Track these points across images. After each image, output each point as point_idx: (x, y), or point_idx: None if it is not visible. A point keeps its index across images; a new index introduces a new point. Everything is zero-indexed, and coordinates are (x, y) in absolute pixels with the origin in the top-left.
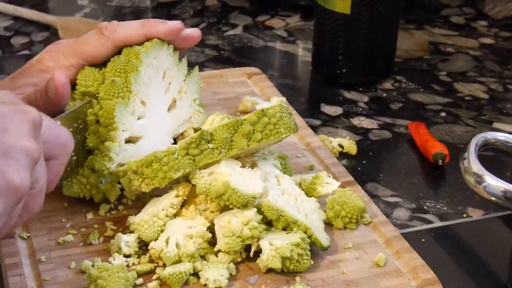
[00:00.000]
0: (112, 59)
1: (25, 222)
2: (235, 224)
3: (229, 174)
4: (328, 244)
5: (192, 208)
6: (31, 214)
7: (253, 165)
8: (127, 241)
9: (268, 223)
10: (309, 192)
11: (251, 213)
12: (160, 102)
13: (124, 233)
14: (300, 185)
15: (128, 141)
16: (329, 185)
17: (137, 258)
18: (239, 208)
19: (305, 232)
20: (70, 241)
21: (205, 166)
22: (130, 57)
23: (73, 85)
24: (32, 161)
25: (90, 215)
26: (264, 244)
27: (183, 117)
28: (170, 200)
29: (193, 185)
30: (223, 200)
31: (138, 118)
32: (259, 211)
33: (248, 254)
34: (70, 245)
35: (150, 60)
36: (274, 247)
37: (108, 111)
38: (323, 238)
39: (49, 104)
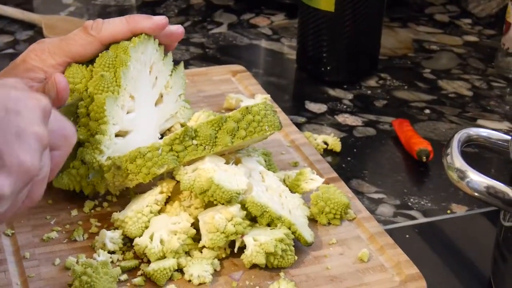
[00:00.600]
0: (100, 54)
1: (9, 221)
2: (219, 220)
3: (213, 170)
4: (312, 240)
5: (176, 205)
6: (33, 201)
7: (237, 162)
8: (111, 238)
9: (253, 219)
10: (293, 189)
11: (235, 209)
12: (148, 97)
13: (108, 229)
14: (284, 181)
15: (117, 135)
16: (313, 181)
17: (122, 254)
18: (223, 204)
19: (289, 228)
20: (55, 238)
21: (189, 163)
22: (118, 52)
23: None
24: (42, 146)
25: (74, 212)
26: (248, 239)
27: (170, 112)
28: (154, 196)
29: (177, 182)
30: (207, 196)
31: (127, 112)
32: (243, 207)
33: (232, 250)
34: (55, 242)
35: (138, 55)
36: (258, 242)
37: (99, 105)
38: (307, 234)
39: None
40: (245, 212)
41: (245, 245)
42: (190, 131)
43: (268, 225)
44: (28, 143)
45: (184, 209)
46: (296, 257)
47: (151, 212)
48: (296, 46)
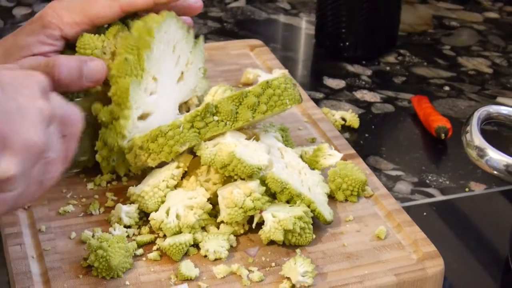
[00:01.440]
0: (123, 35)
1: None
2: (237, 195)
3: (234, 145)
4: (332, 218)
5: (193, 179)
6: (50, 181)
7: (256, 138)
8: (127, 212)
9: (272, 196)
10: (311, 165)
11: (254, 184)
12: (170, 77)
13: (124, 204)
14: (301, 157)
15: (139, 117)
16: (331, 156)
17: (138, 228)
18: (243, 179)
19: (309, 206)
20: (71, 211)
21: (210, 139)
22: (142, 34)
23: (74, 45)
24: (45, 119)
25: (90, 186)
26: (267, 216)
27: (190, 88)
28: (170, 171)
29: (194, 157)
30: (228, 171)
31: (150, 94)
32: (263, 183)
33: (250, 227)
34: (71, 215)
35: (161, 35)
36: (277, 219)
37: (122, 90)
38: (326, 212)
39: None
40: (264, 188)
41: (263, 221)
42: (211, 107)
43: (288, 202)
44: (30, 119)
45: (200, 184)
46: (314, 236)
47: (167, 187)
48: (314, 21)
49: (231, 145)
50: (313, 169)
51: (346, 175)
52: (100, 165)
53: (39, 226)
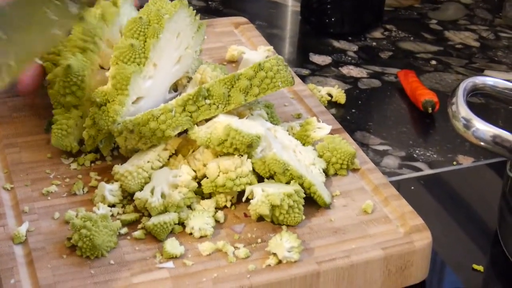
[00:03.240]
0: (132, 18)
1: (8, 175)
2: (211, 169)
3: (228, 121)
4: (330, 200)
5: (180, 158)
6: None
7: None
8: (110, 190)
9: (270, 178)
10: (301, 140)
11: (236, 162)
12: (169, 61)
13: (108, 183)
14: (288, 132)
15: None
16: (320, 129)
17: (122, 207)
18: (240, 156)
19: (309, 189)
20: (54, 192)
21: (202, 122)
22: (151, 21)
23: None
24: None
25: (74, 165)
26: (256, 189)
27: (184, 70)
28: (157, 152)
29: (183, 139)
30: (226, 147)
31: (147, 79)
32: (264, 164)
33: (236, 202)
34: (54, 196)
35: (171, 25)
36: (265, 193)
37: (123, 76)
38: (325, 194)
39: None
40: (250, 169)
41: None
42: (203, 91)
43: (287, 183)
44: None
45: (188, 163)
46: (303, 217)
47: (152, 168)
48: None
49: (226, 121)
50: (304, 144)
51: (334, 148)
52: (85, 142)
53: (22, 207)
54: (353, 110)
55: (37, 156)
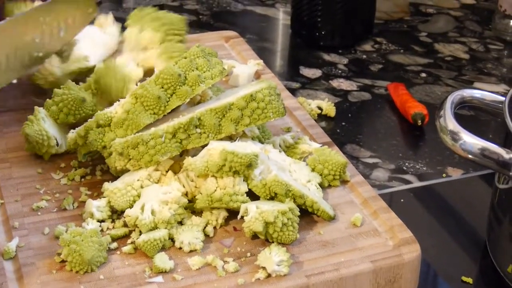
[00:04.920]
0: (170, 69)
1: None
2: (210, 183)
3: (222, 145)
4: (334, 212)
5: (170, 175)
6: None
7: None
8: (98, 206)
9: (270, 199)
10: (292, 155)
11: (234, 180)
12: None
13: (98, 198)
14: (280, 146)
15: None
16: (309, 146)
17: (111, 222)
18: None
19: (312, 206)
20: (44, 207)
21: (192, 149)
22: (188, 79)
23: None
24: None
25: (64, 181)
26: (250, 207)
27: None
28: (148, 172)
29: (174, 161)
30: (225, 172)
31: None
32: (264, 186)
33: (228, 219)
34: (44, 211)
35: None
36: (259, 210)
37: (135, 122)
38: (328, 208)
39: None
40: (246, 188)
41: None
42: (195, 120)
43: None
44: None
45: (177, 179)
46: (298, 236)
47: (141, 186)
48: (290, 11)
49: (219, 146)
50: (292, 156)
51: (325, 160)
52: (67, 145)
53: (12, 223)
54: (343, 123)
55: (28, 171)
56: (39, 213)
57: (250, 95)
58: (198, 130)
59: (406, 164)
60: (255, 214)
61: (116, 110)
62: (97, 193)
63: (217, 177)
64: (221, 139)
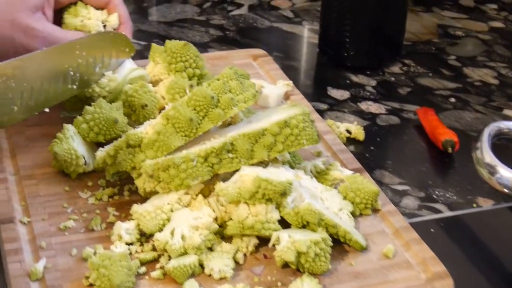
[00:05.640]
0: (203, 91)
1: (26, 208)
2: (242, 210)
3: (255, 172)
4: (366, 242)
5: (200, 199)
6: None
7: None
8: (127, 229)
9: (302, 227)
10: (323, 181)
11: (268, 208)
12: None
13: (126, 219)
14: (311, 171)
15: None
16: (341, 172)
17: (140, 245)
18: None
19: (344, 236)
20: (72, 227)
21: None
22: (220, 102)
23: None
24: None
25: (92, 200)
26: (283, 235)
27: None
28: (178, 195)
29: (205, 185)
30: (258, 199)
31: None
32: (297, 215)
33: (258, 246)
34: (72, 231)
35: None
36: (292, 239)
37: (166, 144)
38: (360, 238)
39: None
40: (278, 216)
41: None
42: (228, 145)
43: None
44: None
45: (207, 203)
46: (330, 266)
47: (171, 210)
48: (317, 29)
49: (252, 173)
50: (322, 182)
51: (358, 188)
52: (96, 163)
53: (39, 242)
54: (372, 148)
55: (55, 189)
56: (66, 233)
57: (284, 121)
58: (230, 155)
59: (436, 192)
60: (287, 243)
61: (146, 130)
62: (125, 214)
63: (249, 203)
64: (252, 164)
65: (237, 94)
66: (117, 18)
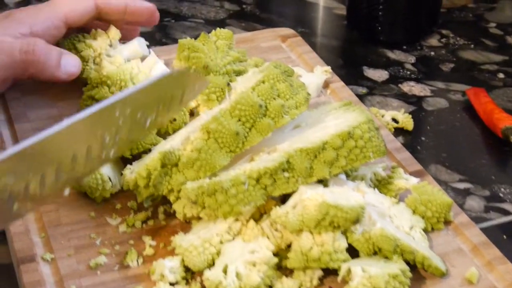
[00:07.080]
0: (249, 99)
1: (47, 240)
2: (305, 240)
3: (320, 196)
4: (446, 267)
5: (251, 225)
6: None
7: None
8: (171, 267)
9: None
10: (384, 191)
11: (334, 236)
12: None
13: (165, 249)
14: (371, 180)
15: None
16: (407, 181)
17: (186, 283)
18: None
19: (422, 262)
20: (103, 264)
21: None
22: (269, 110)
23: None
24: None
25: (123, 228)
26: (355, 269)
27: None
28: (227, 224)
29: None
30: (325, 226)
31: None
32: (367, 241)
33: (320, 280)
34: (104, 269)
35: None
36: (367, 274)
37: (209, 164)
38: (439, 262)
39: None
40: (345, 245)
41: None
42: (284, 165)
43: (374, 253)
44: None
45: (260, 230)
46: None
47: (221, 242)
48: (345, 0)
49: (316, 197)
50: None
51: (428, 200)
52: (125, 185)
53: (67, 285)
54: (423, 138)
55: (79, 216)
56: (98, 272)
57: (348, 132)
58: (286, 174)
59: (502, 189)
60: (362, 279)
61: (184, 147)
62: (163, 243)
63: (313, 232)
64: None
65: (287, 99)
66: (116, 30)
